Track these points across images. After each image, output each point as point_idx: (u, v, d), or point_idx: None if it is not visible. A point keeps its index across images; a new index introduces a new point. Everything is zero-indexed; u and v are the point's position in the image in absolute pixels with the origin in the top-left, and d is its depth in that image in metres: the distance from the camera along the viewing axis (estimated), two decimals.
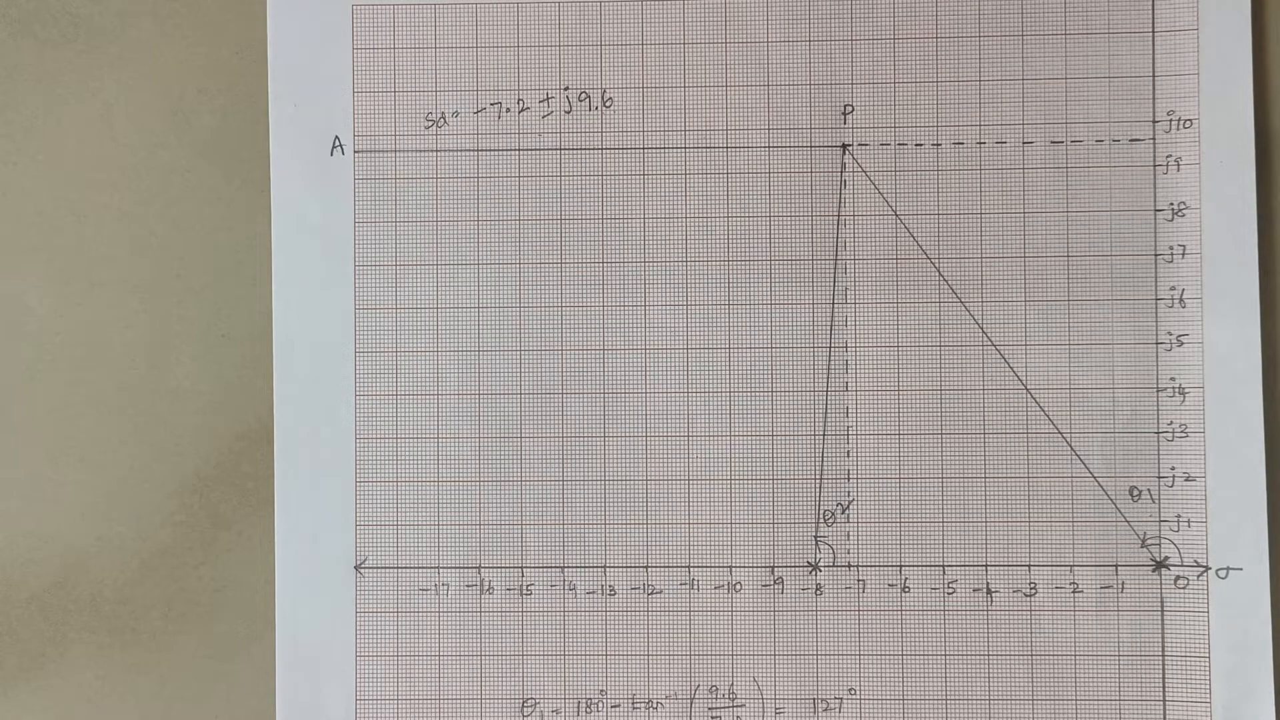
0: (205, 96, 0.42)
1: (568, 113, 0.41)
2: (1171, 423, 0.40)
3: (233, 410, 0.42)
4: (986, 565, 0.40)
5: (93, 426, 0.42)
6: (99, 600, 0.42)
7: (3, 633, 0.42)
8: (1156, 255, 0.40)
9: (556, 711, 0.41)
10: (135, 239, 0.42)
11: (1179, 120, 0.40)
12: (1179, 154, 0.40)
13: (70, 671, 0.42)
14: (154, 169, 0.42)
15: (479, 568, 0.41)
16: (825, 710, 0.40)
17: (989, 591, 0.40)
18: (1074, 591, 0.40)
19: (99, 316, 0.42)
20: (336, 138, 0.41)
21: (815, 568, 0.41)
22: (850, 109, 0.41)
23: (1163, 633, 0.40)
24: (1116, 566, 0.40)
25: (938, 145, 0.40)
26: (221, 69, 0.42)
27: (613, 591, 0.41)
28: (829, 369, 0.41)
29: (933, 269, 0.40)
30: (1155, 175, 0.40)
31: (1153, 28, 0.40)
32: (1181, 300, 0.40)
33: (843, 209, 0.41)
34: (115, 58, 0.42)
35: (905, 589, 0.41)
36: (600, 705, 0.41)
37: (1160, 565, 0.40)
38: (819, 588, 0.41)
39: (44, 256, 0.42)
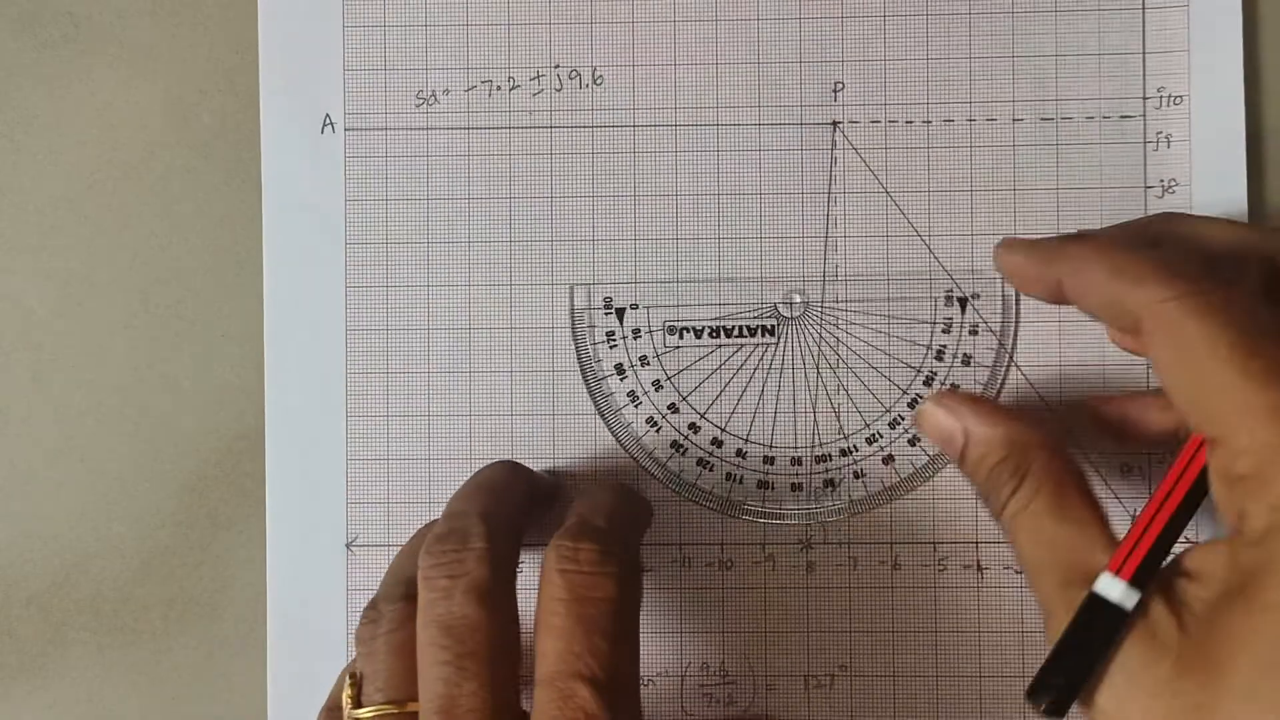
0: (205, 96, 0.42)
1: (558, 90, 0.41)
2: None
3: (232, 410, 0.42)
4: (977, 543, 0.40)
5: (92, 427, 0.42)
6: (99, 600, 0.42)
7: (2, 633, 0.42)
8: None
9: None
10: (135, 239, 0.42)
11: (1169, 97, 0.40)
12: (1169, 131, 0.40)
13: (70, 671, 0.42)
14: (153, 169, 0.42)
15: None
16: (816, 687, 0.40)
17: (979, 568, 0.40)
18: None
19: (98, 316, 0.42)
20: (327, 115, 0.41)
21: (807, 545, 0.41)
22: (841, 86, 0.41)
23: None
24: None
25: (928, 122, 0.40)
26: (220, 68, 0.42)
27: None
28: (820, 346, 0.41)
29: (923, 246, 0.40)
30: (1146, 152, 0.40)
31: (1143, 4, 0.40)
32: None
33: (833, 186, 0.41)
34: (114, 58, 0.42)
35: (896, 566, 0.40)
36: None
37: None
38: (810, 565, 0.41)
39: (43, 256, 0.42)
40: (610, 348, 0.41)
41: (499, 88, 0.41)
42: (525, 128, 0.41)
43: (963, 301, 0.40)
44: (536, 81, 0.41)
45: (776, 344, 0.40)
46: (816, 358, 0.40)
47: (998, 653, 0.40)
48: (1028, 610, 0.40)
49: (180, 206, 0.42)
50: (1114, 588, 0.31)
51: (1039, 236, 0.36)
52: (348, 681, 0.35)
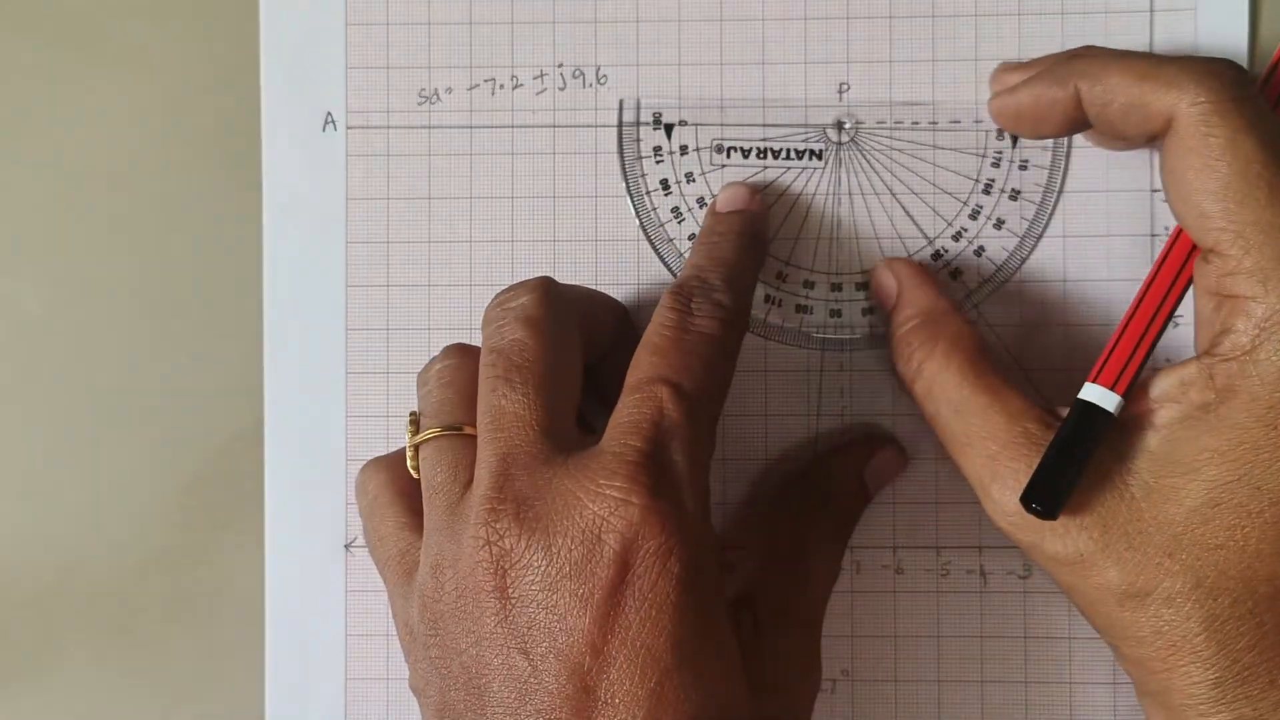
0: (204, 95, 0.42)
1: (561, 90, 0.41)
2: None
3: (230, 411, 0.42)
4: (980, 547, 0.40)
5: (90, 426, 0.42)
6: (96, 601, 0.42)
7: None
8: (1153, 236, 0.40)
9: None
10: (133, 238, 0.42)
11: None
12: None
13: (67, 673, 0.42)
14: (151, 168, 0.42)
15: None
16: (819, 691, 0.40)
17: (983, 573, 0.40)
18: None
19: (96, 316, 0.42)
20: (329, 113, 0.41)
21: None
22: (846, 87, 0.40)
23: None
24: None
25: (934, 124, 0.40)
26: (220, 67, 0.42)
27: None
28: (824, 348, 0.40)
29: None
30: (1151, 155, 0.40)
31: (1151, 7, 0.40)
32: None
33: (838, 187, 0.40)
34: (113, 57, 0.42)
35: (899, 570, 0.40)
36: None
37: None
38: None
39: (41, 256, 0.42)
40: (656, 163, 0.41)
41: (502, 86, 0.41)
42: (528, 126, 0.41)
43: (1015, 135, 0.40)
44: (540, 80, 0.41)
45: (823, 168, 0.40)
46: (862, 184, 0.40)
47: (1000, 659, 0.40)
48: (1031, 616, 0.40)
49: (180, 205, 0.42)
50: (1107, 399, 0.33)
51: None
52: (408, 421, 0.36)
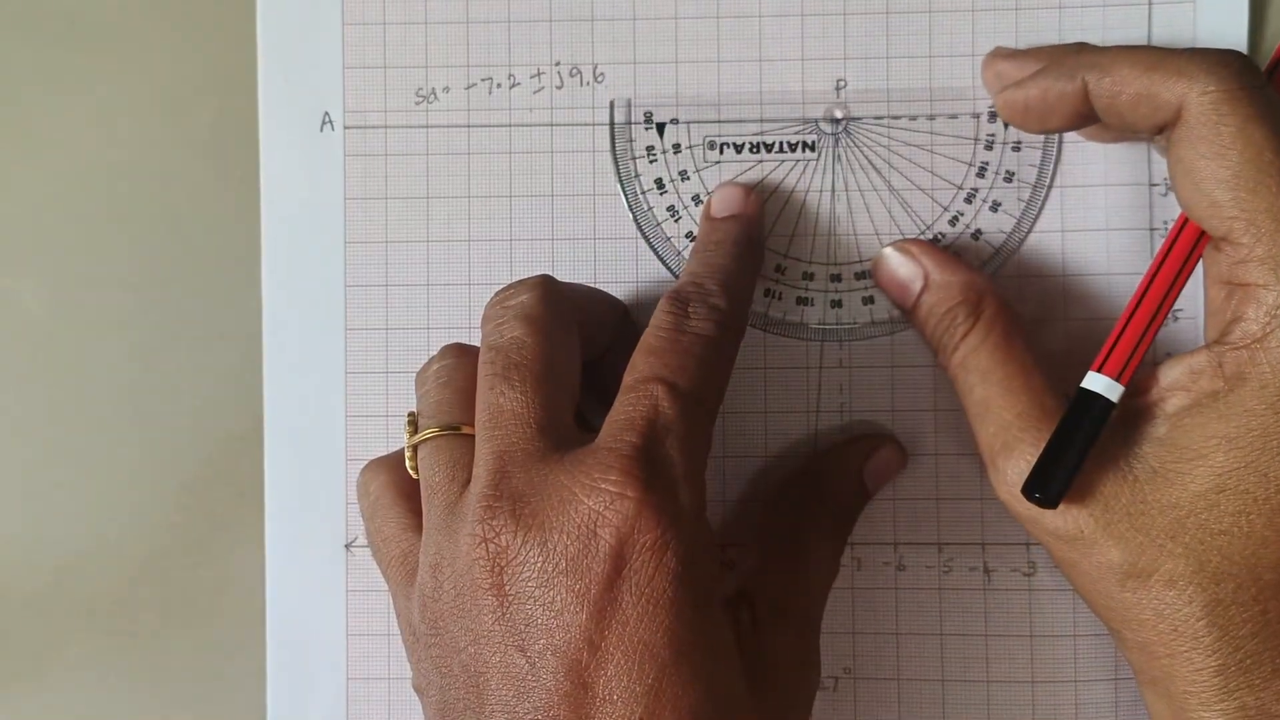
0: (201, 95, 0.42)
1: (559, 88, 0.41)
2: None
3: (229, 411, 0.42)
4: (983, 544, 0.40)
5: (89, 427, 0.42)
6: (96, 602, 0.42)
7: None
8: (1152, 230, 0.40)
9: None
10: (131, 239, 0.42)
11: None
12: None
13: (67, 674, 0.42)
14: (150, 168, 0.42)
15: None
16: (820, 689, 0.40)
17: (986, 570, 0.40)
18: None
19: (95, 316, 0.42)
20: (326, 113, 0.41)
21: None
22: (844, 83, 0.40)
23: None
24: None
25: (932, 119, 0.40)
26: (218, 67, 0.42)
27: None
28: (823, 344, 0.40)
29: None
30: (1150, 150, 0.40)
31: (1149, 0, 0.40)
32: None
33: (834, 178, 0.40)
34: (111, 56, 0.42)
35: (901, 567, 0.40)
36: None
37: None
38: None
39: (40, 256, 0.42)
40: (650, 162, 0.41)
41: (499, 85, 0.41)
42: (525, 125, 0.41)
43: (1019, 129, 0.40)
44: (537, 79, 0.41)
45: (818, 160, 0.40)
46: (857, 174, 0.40)
47: (1005, 657, 0.40)
48: (1035, 614, 0.40)
49: (178, 205, 0.42)
50: (1111, 389, 0.33)
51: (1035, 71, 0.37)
52: (406, 421, 0.36)
